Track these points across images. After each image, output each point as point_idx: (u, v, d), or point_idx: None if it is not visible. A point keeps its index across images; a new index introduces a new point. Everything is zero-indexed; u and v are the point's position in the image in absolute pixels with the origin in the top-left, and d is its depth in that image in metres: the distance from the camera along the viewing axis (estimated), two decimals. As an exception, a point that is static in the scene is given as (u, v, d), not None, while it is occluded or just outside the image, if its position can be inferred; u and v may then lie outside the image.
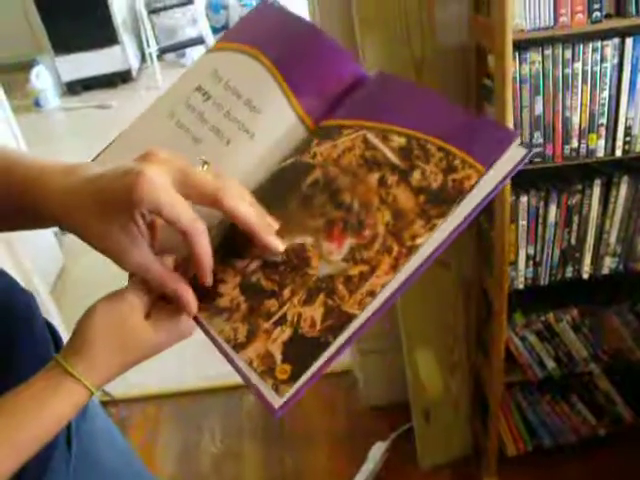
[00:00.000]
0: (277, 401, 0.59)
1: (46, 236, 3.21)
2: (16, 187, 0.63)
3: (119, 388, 2.34)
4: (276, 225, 0.64)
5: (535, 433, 1.83)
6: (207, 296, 0.64)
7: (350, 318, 0.60)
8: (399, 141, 0.66)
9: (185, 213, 0.56)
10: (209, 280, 0.62)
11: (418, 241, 0.60)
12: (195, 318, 0.64)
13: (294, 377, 0.59)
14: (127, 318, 0.60)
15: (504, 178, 0.62)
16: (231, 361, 0.62)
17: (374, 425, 2.07)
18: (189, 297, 0.61)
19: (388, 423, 2.05)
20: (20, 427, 0.56)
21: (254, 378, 0.60)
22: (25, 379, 0.59)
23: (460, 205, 0.61)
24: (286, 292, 0.62)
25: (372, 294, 0.60)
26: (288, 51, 0.76)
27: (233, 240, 0.66)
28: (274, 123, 0.73)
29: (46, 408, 0.57)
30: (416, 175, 0.63)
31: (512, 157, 0.63)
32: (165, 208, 0.55)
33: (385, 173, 0.65)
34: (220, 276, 0.64)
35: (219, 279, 0.64)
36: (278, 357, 0.60)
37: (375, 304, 0.60)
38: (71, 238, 0.67)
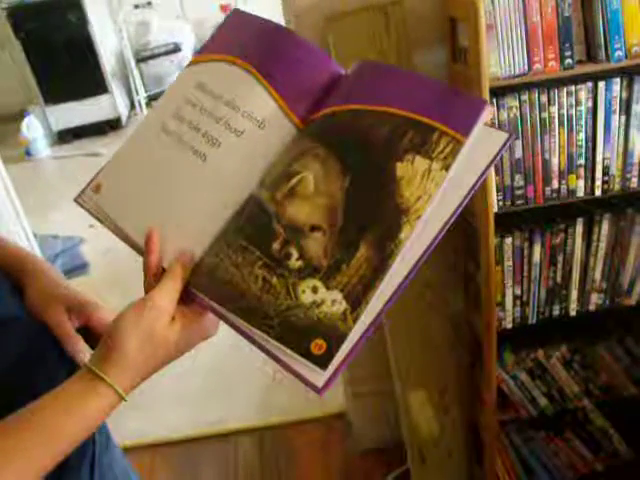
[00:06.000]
0: (318, 379, 0.61)
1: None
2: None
3: (115, 436, 2.32)
4: None
5: (532, 471, 1.83)
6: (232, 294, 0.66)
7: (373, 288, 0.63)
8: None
9: None
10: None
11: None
12: (219, 314, 0.66)
13: (330, 351, 0.61)
14: (155, 324, 0.64)
15: (493, 159, 0.68)
16: (265, 349, 0.64)
17: (369, 468, 2.06)
18: None
19: (383, 466, 2.04)
20: (57, 427, 0.60)
21: (290, 360, 0.62)
22: None
23: (450, 171, 0.66)
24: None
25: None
26: (266, 53, 0.78)
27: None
28: (260, 120, 0.75)
29: (80, 410, 0.61)
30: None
31: (494, 140, 0.69)
32: None
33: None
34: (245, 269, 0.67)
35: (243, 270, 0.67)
36: (312, 333, 0.62)
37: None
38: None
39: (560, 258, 1.48)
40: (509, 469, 1.83)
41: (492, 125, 0.70)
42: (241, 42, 0.81)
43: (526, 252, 1.46)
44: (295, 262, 0.66)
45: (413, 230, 0.64)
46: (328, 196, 0.68)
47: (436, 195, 0.65)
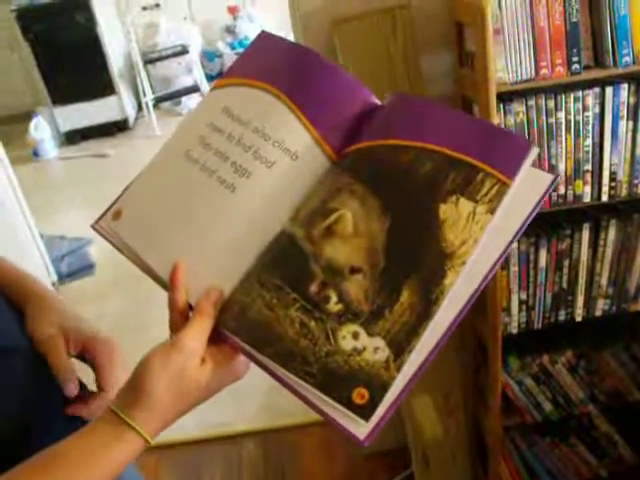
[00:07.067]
0: (361, 430, 0.57)
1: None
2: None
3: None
4: None
5: (536, 476, 1.82)
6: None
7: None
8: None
9: None
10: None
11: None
12: (252, 357, 0.63)
13: (374, 401, 0.58)
14: (185, 368, 0.60)
15: (539, 201, 0.66)
16: (300, 395, 0.61)
17: (373, 471, 2.06)
18: None
19: (387, 469, 2.04)
20: (80, 473, 0.57)
21: (330, 409, 0.58)
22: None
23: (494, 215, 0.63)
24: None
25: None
26: (297, 79, 0.74)
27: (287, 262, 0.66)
28: (293, 151, 0.71)
29: (103, 457, 0.58)
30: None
31: (539, 181, 0.67)
32: None
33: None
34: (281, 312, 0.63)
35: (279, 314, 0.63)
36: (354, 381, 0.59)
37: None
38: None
39: (566, 263, 1.47)
40: (513, 474, 1.82)
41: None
42: (270, 67, 0.76)
43: (532, 257, 1.46)
44: (334, 306, 0.62)
45: (458, 276, 0.61)
46: (368, 236, 0.64)
47: (481, 239, 0.62)
